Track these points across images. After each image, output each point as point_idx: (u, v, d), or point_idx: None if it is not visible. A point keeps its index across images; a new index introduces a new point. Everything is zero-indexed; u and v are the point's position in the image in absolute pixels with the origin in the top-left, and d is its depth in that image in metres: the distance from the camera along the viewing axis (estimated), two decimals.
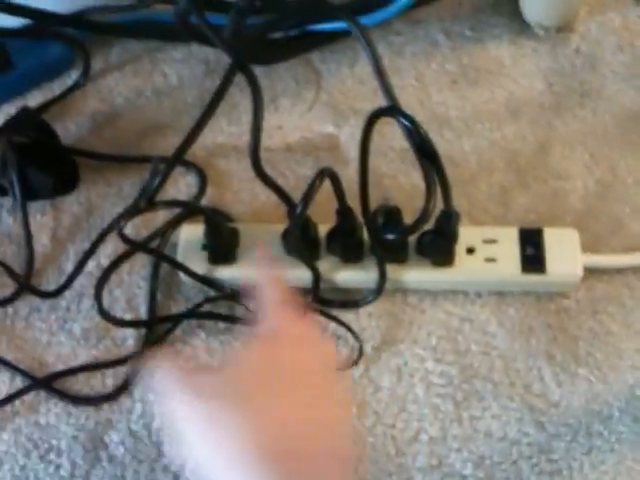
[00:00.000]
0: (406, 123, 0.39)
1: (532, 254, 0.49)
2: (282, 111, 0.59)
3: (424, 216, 0.40)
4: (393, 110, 0.39)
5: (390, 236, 0.45)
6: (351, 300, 0.51)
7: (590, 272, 0.50)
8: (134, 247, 0.47)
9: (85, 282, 0.53)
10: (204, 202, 0.55)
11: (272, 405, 0.34)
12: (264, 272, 0.42)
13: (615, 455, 0.47)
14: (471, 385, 0.49)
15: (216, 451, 0.34)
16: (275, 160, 0.57)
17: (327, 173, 0.41)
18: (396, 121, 0.39)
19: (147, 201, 0.40)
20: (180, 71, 0.61)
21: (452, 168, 0.55)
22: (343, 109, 0.59)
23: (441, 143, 0.56)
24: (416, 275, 0.50)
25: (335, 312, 0.51)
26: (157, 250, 0.50)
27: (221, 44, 0.39)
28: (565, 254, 0.49)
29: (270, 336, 0.37)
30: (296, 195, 0.47)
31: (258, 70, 0.60)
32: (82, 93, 0.61)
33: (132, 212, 0.42)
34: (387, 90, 0.39)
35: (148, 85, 0.61)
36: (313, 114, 0.59)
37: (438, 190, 0.44)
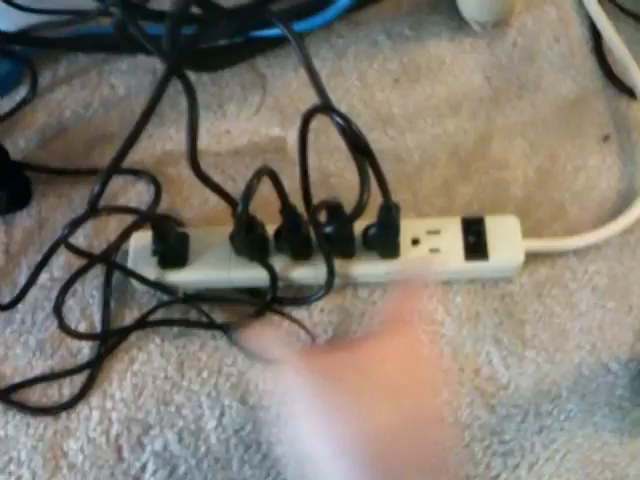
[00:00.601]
0: (338, 120, 0.40)
1: (474, 242, 0.50)
2: (229, 116, 0.60)
3: (358, 207, 0.41)
4: (326, 108, 0.40)
5: (329, 228, 0.45)
6: (302, 297, 0.52)
7: (532, 257, 0.51)
8: (82, 256, 0.47)
9: (39, 294, 0.54)
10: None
11: (379, 407, 0.36)
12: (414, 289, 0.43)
13: (565, 433, 0.48)
14: None
15: (324, 435, 0.35)
16: (224, 164, 0.58)
17: (265, 172, 0.42)
18: (329, 118, 0.40)
19: (89, 208, 0.41)
20: (127, 81, 0.62)
21: (396, 164, 0.57)
22: (289, 112, 0.60)
23: (385, 140, 0.58)
24: (364, 268, 0.51)
25: (287, 309, 0.52)
26: (107, 258, 0.51)
27: (155, 50, 0.40)
28: (506, 240, 0.50)
29: (389, 341, 0.39)
30: None
31: (204, 77, 0.61)
32: (31, 108, 0.62)
33: (76, 221, 0.42)
34: (318, 88, 0.40)
35: (96, 97, 0.62)
36: (260, 118, 0.60)
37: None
